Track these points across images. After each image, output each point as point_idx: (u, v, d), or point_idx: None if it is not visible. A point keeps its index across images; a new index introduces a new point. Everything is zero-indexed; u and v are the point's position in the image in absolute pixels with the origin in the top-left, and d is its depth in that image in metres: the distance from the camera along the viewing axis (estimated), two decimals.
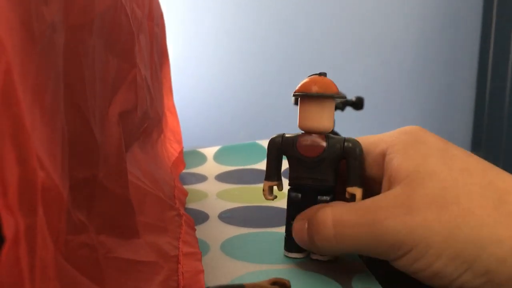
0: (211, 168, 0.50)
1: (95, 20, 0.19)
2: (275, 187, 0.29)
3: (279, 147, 0.28)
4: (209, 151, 0.54)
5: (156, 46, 0.38)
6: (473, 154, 0.25)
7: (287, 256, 0.29)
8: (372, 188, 0.28)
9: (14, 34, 0.12)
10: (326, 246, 0.25)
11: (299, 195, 0.28)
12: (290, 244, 0.28)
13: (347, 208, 0.25)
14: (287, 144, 0.28)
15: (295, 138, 0.28)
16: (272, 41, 1.44)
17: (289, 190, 0.29)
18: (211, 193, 0.42)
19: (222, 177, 0.47)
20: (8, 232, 0.11)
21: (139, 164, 0.30)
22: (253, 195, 0.41)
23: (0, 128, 0.12)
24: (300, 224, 0.27)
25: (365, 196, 0.27)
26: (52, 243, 0.14)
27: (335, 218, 0.25)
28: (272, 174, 0.29)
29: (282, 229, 0.33)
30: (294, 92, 0.28)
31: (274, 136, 0.29)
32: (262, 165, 0.50)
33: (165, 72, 0.46)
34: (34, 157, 0.13)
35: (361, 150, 0.27)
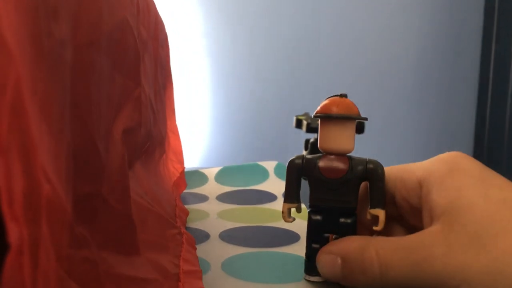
0: (212, 188, 0.50)
1: (103, 39, 0.20)
2: (293, 209, 0.29)
3: (300, 169, 0.28)
4: (211, 172, 0.54)
5: (160, 67, 0.38)
6: None
7: (307, 280, 0.28)
8: (411, 217, 0.27)
9: (24, 49, 0.13)
10: (370, 285, 0.25)
11: (320, 217, 0.28)
12: (311, 267, 0.28)
13: (390, 247, 0.24)
14: (308, 166, 0.27)
15: (316, 160, 0.27)
16: (270, 64, 1.45)
17: (309, 212, 0.28)
18: (212, 212, 0.42)
19: (223, 198, 0.47)
20: (13, 241, 0.11)
21: (141, 182, 0.30)
22: (254, 215, 0.41)
23: (8, 139, 0.12)
24: (330, 258, 0.26)
25: (402, 226, 0.27)
26: (55, 257, 0.14)
27: (380, 258, 0.24)
28: (292, 196, 0.28)
29: (281, 249, 0.32)
30: (315, 114, 0.27)
31: (293, 158, 0.28)
32: (263, 186, 0.50)
33: (168, 93, 0.46)
34: (40, 169, 0.13)
35: (383, 171, 0.27)
